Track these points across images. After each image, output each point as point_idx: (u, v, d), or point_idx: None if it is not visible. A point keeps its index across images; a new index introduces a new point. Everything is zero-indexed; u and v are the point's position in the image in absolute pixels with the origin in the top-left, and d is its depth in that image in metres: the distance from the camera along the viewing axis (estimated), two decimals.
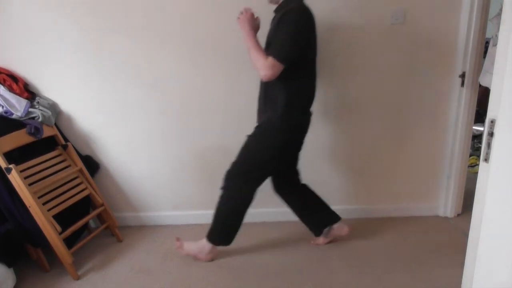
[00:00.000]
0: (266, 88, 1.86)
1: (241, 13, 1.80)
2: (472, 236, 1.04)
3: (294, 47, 1.67)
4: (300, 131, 1.94)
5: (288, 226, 2.44)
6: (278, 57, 1.63)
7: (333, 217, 2.18)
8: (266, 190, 2.51)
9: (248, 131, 1.94)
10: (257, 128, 1.92)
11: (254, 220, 2.54)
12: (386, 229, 2.39)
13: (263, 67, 1.65)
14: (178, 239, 2.14)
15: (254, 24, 1.81)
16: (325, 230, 2.18)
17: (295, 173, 2.15)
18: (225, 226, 2.03)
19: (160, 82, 2.31)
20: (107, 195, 2.50)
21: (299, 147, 2.05)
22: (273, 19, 1.84)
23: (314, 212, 2.18)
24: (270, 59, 1.63)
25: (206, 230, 1.98)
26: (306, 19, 1.69)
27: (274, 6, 1.85)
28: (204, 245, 2.07)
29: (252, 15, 1.80)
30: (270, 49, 1.68)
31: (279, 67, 1.65)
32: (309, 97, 1.90)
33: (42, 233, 1.93)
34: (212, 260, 2.12)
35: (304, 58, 1.78)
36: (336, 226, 2.19)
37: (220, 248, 2.24)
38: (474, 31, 2.19)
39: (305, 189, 2.16)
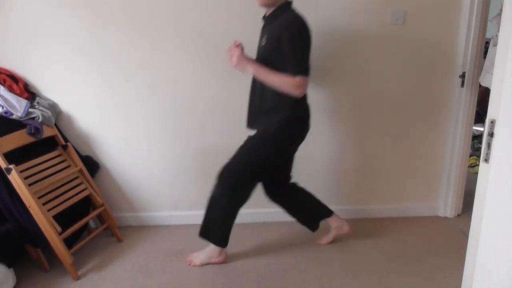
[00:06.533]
0: (265, 93, 1.87)
1: (231, 56, 1.81)
2: (472, 236, 1.04)
3: (308, 57, 1.78)
4: (302, 135, 1.97)
5: (288, 226, 2.44)
6: (303, 73, 1.74)
7: (326, 211, 2.18)
8: None
9: (247, 130, 1.94)
10: (259, 132, 1.94)
11: (254, 220, 2.54)
12: (386, 230, 2.39)
13: (295, 87, 1.75)
14: (188, 257, 2.11)
15: (244, 53, 1.82)
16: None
17: (288, 178, 2.16)
18: (221, 225, 2.02)
19: (160, 82, 2.31)
20: (107, 195, 2.50)
21: (293, 153, 2.07)
22: (264, 28, 1.87)
23: (306, 208, 2.19)
24: (299, 78, 1.73)
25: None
26: (306, 27, 1.75)
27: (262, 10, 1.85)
28: (212, 249, 2.06)
29: (239, 47, 1.81)
30: (291, 67, 1.73)
31: (307, 81, 1.77)
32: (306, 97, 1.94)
33: (42, 233, 1.93)
34: (225, 261, 2.09)
35: None
36: (336, 225, 2.20)
37: None
38: (474, 31, 2.20)
39: (295, 187, 2.16)
